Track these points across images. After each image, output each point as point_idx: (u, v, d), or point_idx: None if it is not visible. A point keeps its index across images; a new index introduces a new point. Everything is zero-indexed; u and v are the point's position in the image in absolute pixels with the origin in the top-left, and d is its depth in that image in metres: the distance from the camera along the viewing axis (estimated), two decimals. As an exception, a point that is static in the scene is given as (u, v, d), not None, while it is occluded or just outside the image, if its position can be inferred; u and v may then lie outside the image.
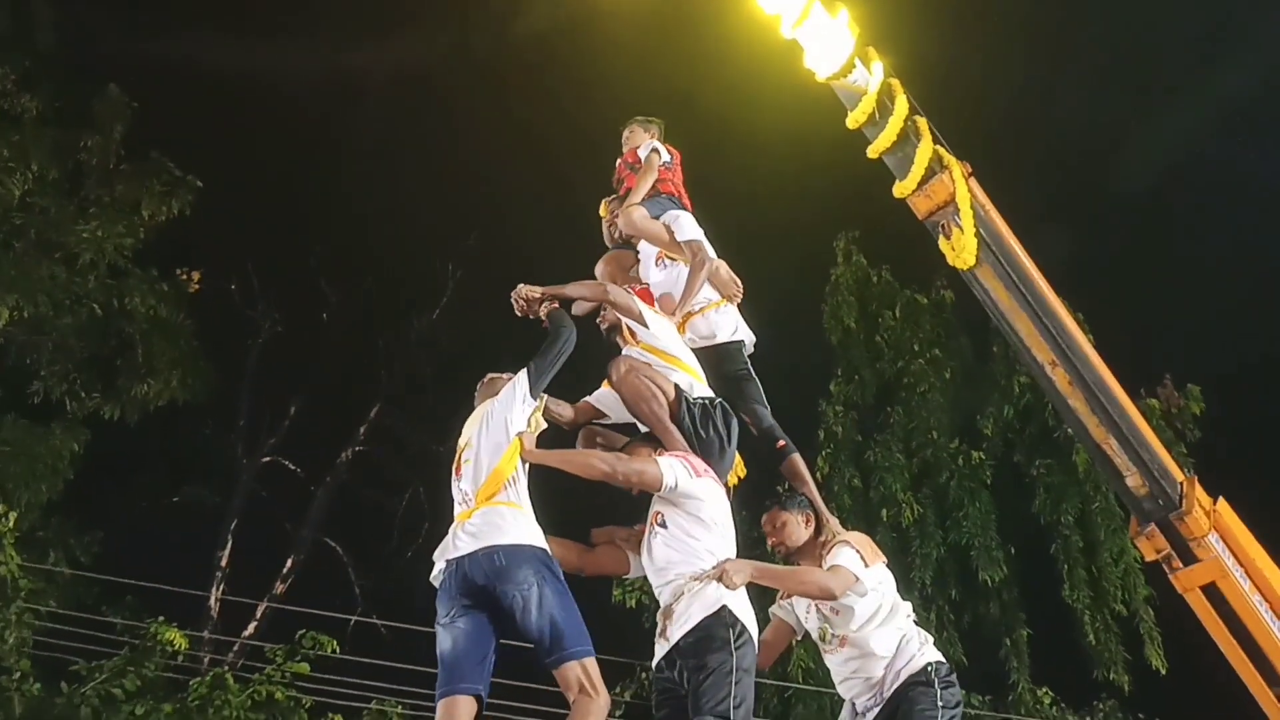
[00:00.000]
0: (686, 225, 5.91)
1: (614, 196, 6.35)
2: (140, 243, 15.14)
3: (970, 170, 6.17)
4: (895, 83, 6.10)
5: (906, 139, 6.06)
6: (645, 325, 5.41)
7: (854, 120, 6.13)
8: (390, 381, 19.64)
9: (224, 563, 17.45)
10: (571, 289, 5.56)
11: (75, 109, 15.17)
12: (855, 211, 14.87)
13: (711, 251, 5.93)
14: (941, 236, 6.15)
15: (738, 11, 6.14)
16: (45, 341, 14.90)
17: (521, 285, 5.36)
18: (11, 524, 11.06)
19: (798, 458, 5.62)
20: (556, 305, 5.36)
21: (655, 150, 6.23)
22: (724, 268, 5.98)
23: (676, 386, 5.27)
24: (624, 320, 5.46)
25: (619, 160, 6.43)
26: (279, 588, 17.67)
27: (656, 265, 6.01)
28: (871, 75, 6.04)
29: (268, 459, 18.71)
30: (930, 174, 6.07)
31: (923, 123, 6.11)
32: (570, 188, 6.61)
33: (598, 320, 5.52)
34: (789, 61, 6.09)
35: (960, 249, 6.04)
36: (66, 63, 15.25)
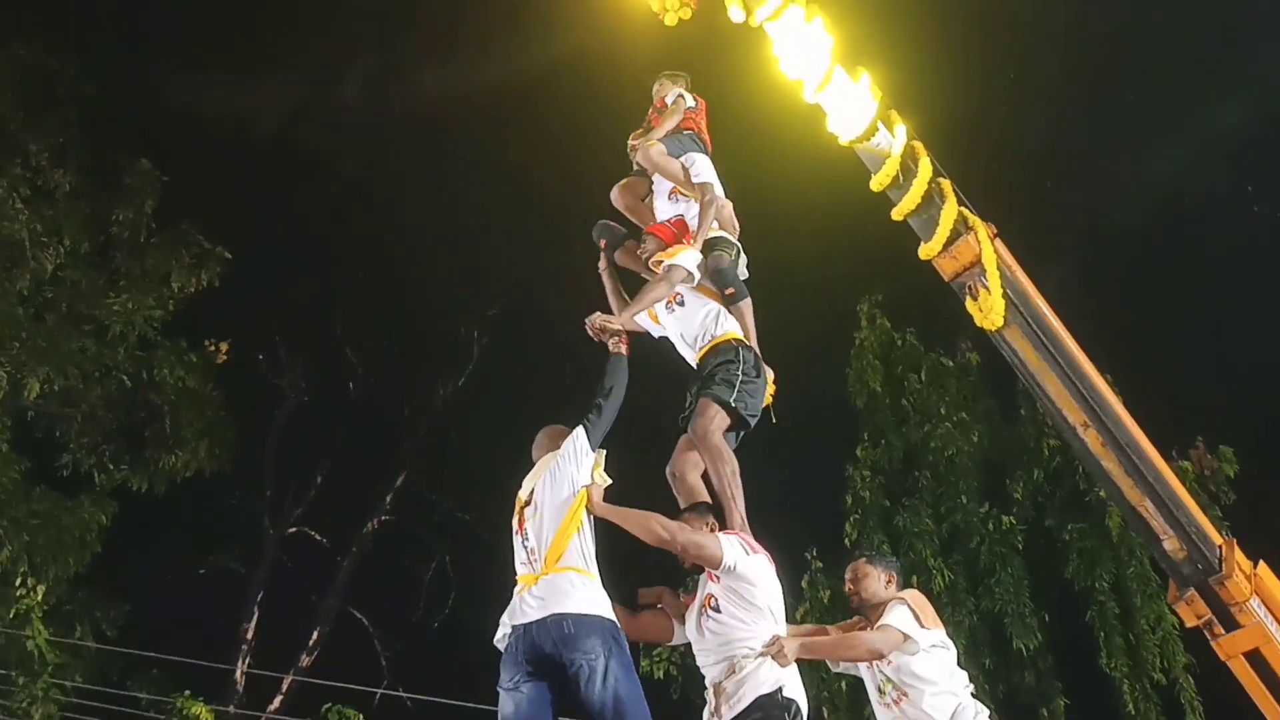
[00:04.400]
0: (702, 168, 6.31)
1: (641, 130, 6.73)
2: (169, 314, 15.25)
3: (995, 231, 6.18)
4: (919, 145, 6.14)
5: (931, 201, 6.10)
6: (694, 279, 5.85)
7: (878, 183, 6.18)
8: (416, 450, 19.67)
9: (249, 635, 17.39)
10: (654, 293, 5.79)
11: (106, 182, 15.32)
12: (877, 274, 14.83)
13: (721, 192, 6.32)
14: (969, 298, 6.15)
15: (760, 75, 6.22)
16: (75, 414, 14.99)
17: (597, 315, 5.44)
18: (39, 598, 11.02)
19: (745, 303, 6.03)
20: (626, 343, 5.37)
21: (682, 96, 6.71)
22: (729, 208, 6.36)
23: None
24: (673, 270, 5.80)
25: (650, 110, 6.83)
26: (304, 660, 17.56)
27: (669, 199, 6.41)
28: (895, 138, 6.08)
29: (293, 529, 18.69)
30: (955, 235, 6.10)
31: (947, 184, 6.14)
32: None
33: (640, 252, 6.08)
34: (811, 124, 6.15)
35: (988, 310, 6.05)
36: (97, 134, 15.44)
